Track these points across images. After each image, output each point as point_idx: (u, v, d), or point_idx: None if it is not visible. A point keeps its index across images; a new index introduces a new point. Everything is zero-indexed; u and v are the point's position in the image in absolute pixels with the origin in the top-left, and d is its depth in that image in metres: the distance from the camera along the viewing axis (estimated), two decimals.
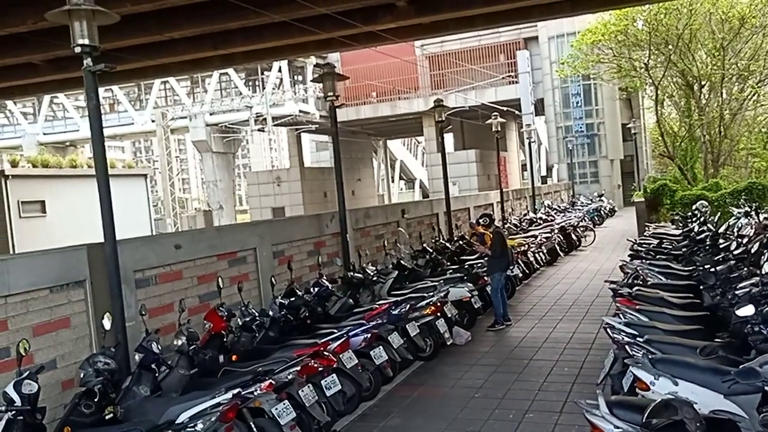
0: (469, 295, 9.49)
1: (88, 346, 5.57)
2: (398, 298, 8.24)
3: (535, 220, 19.58)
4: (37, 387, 4.42)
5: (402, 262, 10.51)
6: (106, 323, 5.32)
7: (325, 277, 8.47)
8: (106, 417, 4.70)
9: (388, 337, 7.30)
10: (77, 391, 4.93)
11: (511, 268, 10.98)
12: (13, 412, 4.25)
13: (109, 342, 5.44)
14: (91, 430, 4.42)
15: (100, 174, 5.77)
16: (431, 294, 8.52)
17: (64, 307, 5.48)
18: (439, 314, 8.35)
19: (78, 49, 5.55)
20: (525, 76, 35.58)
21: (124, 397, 4.92)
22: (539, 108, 36.94)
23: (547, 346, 8.48)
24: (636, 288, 7.11)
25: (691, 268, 8.20)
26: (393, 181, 57.53)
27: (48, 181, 18.40)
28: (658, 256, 9.77)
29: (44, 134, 40.29)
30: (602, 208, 28.36)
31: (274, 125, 35.23)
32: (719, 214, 13.05)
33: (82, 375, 4.89)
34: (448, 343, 8.42)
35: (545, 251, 15.35)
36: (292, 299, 7.43)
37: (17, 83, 15.33)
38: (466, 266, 10.80)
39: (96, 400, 4.77)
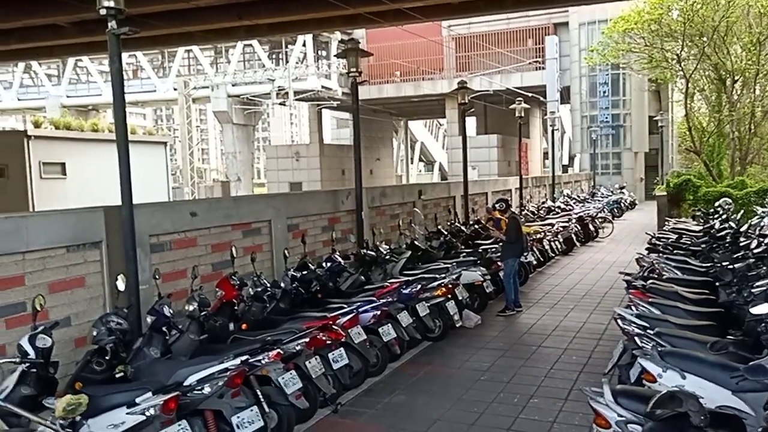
0: (482, 279, 9.49)
1: (101, 306, 5.67)
2: (410, 278, 8.26)
3: (553, 208, 19.43)
4: (51, 342, 4.52)
5: (416, 242, 10.51)
6: (120, 285, 5.40)
7: (338, 253, 8.50)
8: (117, 375, 4.79)
9: (398, 316, 7.34)
10: (89, 349, 5.03)
11: (525, 254, 10.96)
12: (27, 364, 4.35)
13: (122, 303, 5.53)
14: (101, 387, 4.50)
15: (120, 138, 5.79)
16: (443, 276, 8.53)
17: (80, 266, 5.57)
18: (450, 296, 8.37)
19: (103, 11, 5.56)
20: (552, 62, 35.05)
21: (134, 357, 5.00)
22: (565, 96, 36.45)
23: (556, 334, 8.46)
24: (650, 281, 7.05)
25: (708, 264, 8.11)
26: (412, 163, 57.34)
27: (69, 143, 18.54)
28: (675, 251, 9.66)
29: (67, 97, 40.55)
30: (623, 201, 28.08)
31: (296, 100, 35.17)
32: (742, 212, 12.81)
33: (95, 333, 4.98)
34: (457, 326, 8.44)
35: (561, 240, 15.25)
36: (305, 273, 7.49)
37: (43, 44, 15.43)
38: (480, 250, 10.76)
39: (107, 358, 4.86)
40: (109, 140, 18.21)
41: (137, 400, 4.25)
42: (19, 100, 42.29)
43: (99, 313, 5.46)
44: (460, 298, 8.72)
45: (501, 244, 10.27)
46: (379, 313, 6.95)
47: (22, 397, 4.18)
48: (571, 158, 42.21)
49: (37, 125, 19.85)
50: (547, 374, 6.84)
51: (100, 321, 5.06)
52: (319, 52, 36.53)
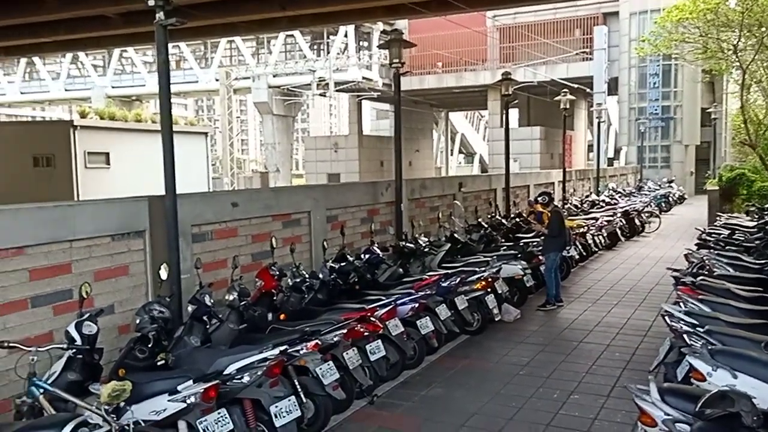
0: (522, 273, 9.34)
1: (144, 295, 5.76)
2: (449, 271, 8.19)
3: (597, 202, 19.06)
4: (97, 329, 4.61)
5: (455, 235, 10.41)
6: (163, 273, 5.47)
7: (376, 245, 8.48)
8: (158, 363, 4.86)
9: (436, 309, 7.28)
10: (133, 336, 5.12)
11: (567, 248, 10.75)
12: (74, 350, 4.45)
13: (164, 292, 5.60)
14: (144, 374, 4.57)
15: (165, 129, 5.86)
16: (483, 269, 8.42)
17: (124, 255, 5.66)
18: (489, 290, 8.26)
19: (151, 2, 5.63)
20: (600, 53, 34.23)
21: (175, 345, 5.07)
22: (612, 87, 35.62)
23: (598, 329, 8.27)
24: (700, 278, 6.82)
25: (763, 261, 7.82)
26: (452, 154, 56.96)
27: (113, 133, 18.90)
28: (727, 247, 9.35)
29: (112, 87, 41.54)
30: (671, 195, 27.32)
31: (336, 91, 35.27)
32: None
33: (138, 321, 5.07)
34: (496, 319, 8.33)
35: (605, 235, 14.91)
36: (343, 264, 7.50)
37: (90, 35, 15.81)
38: (521, 244, 10.62)
39: (150, 346, 4.94)
40: (151, 130, 18.58)
41: (178, 388, 4.30)
42: (66, 90, 43.52)
43: (142, 302, 5.55)
44: (500, 291, 8.60)
45: (543, 237, 10.09)
46: (417, 305, 6.91)
47: (68, 383, 4.28)
48: (617, 151, 41.32)
49: (83, 115, 20.30)
50: (588, 370, 6.69)
51: (143, 309, 5.15)
52: (361, 42, 36.53)
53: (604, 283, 11.22)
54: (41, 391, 4.02)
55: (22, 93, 44.67)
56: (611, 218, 15.79)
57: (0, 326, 4.60)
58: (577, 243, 12.63)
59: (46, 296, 4.97)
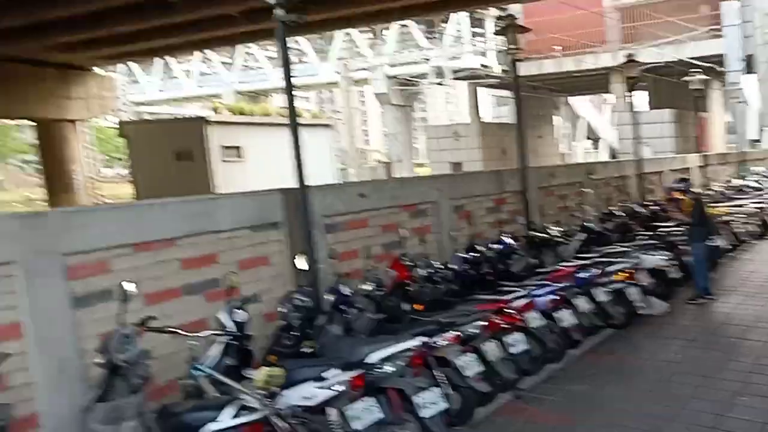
0: (665, 264, 8.68)
1: (284, 284, 5.87)
2: (585, 262, 7.78)
3: (742, 187, 17.45)
4: (248, 316, 4.73)
5: (589, 224, 9.89)
6: (301, 263, 5.54)
7: (506, 235, 8.21)
8: (305, 351, 4.91)
9: (574, 301, 6.92)
10: (279, 324, 5.24)
11: (712, 238, 9.87)
12: (231, 336, 4.59)
13: (302, 282, 5.69)
14: (294, 361, 4.63)
15: (292, 121, 5.87)
16: (622, 260, 7.91)
17: (264, 246, 5.82)
18: (631, 281, 7.72)
19: (272, 0, 5.70)
20: (733, 29, 31.30)
21: (319, 334, 5.12)
22: (751, 65, 32.53)
23: (761, 325, 7.46)
24: None
25: None
26: (574, 140, 54.75)
27: (243, 128, 19.69)
28: None
29: (240, 83, 43.40)
30: None
31: (453, 79, 34.89)
32: None
33: (284, 310, 5.17)
34: (641, 313, 7.78)
35: (758, 222, 13.56)
36: (474, 254, 7.31)
37: (217, 34, 16.57)
38: (660, 233, 9.89)
39: (295, 334, 5.00)
40: (278, 124, 19.16)
41: (323, 375, 4.32)
42: (198, 87, 45.92)
43: (282, 290, 5.66)
44: (644, 283, 8.02)
45: (687, 227, 9.33)
46: (557, 298, 6.60)
47: (225, 367, 4.41)
48: (762, 132, 37.86)
49: (215, 111, 21.38)
50: (754, 369, 6.04)
51: (287, 298, 5.24)
52: (475, 29, 35.86)
53: (761, 276, 10.14)
54: (202, 374, 4.16)
55: (160, 91, 47.67)
56: (761, 205, 14.35)
57: (158, 313, 4.83)
58: (723, 232, 11.59)
59: (197, 285, 5.18)
